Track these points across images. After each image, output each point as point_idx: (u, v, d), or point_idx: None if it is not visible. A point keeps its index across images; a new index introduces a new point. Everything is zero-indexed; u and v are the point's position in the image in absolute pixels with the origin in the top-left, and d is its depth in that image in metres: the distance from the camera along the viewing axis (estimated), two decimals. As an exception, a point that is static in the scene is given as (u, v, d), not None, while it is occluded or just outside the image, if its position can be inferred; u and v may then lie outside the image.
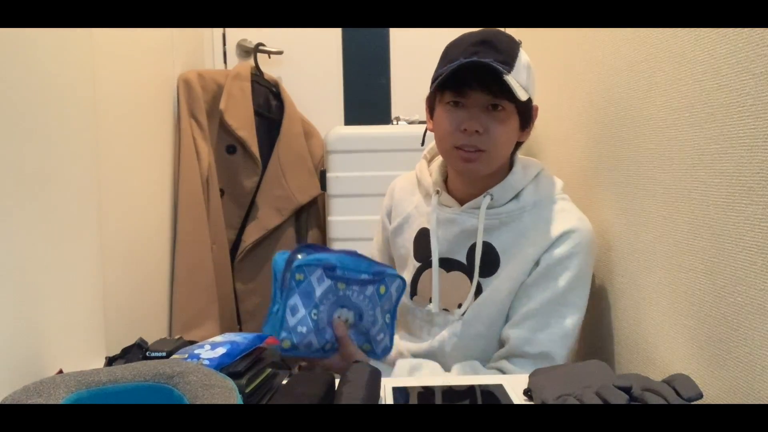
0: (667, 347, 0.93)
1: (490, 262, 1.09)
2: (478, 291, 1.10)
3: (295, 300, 0.98)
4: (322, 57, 1.93)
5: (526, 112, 1.08)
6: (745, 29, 0.73)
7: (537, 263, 1.06)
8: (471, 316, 1.09)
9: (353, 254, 1.05)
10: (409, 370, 1.05)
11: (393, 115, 1.89)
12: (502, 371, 1.04)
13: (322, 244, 1.06)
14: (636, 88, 1.01)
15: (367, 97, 1.95)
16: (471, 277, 1.10)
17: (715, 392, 0.80)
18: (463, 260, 1.12)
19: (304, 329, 0.99)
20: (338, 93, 1.94)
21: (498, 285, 1.08)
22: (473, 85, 1.02)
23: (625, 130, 1.06)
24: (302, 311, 0.98)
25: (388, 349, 1.10)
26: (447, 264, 1.14)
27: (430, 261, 1.13)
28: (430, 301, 1.13)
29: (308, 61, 1.92)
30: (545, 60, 1.49)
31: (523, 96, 1.01)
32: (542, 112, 1.51)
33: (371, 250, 1.31)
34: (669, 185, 0.91)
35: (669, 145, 0.91)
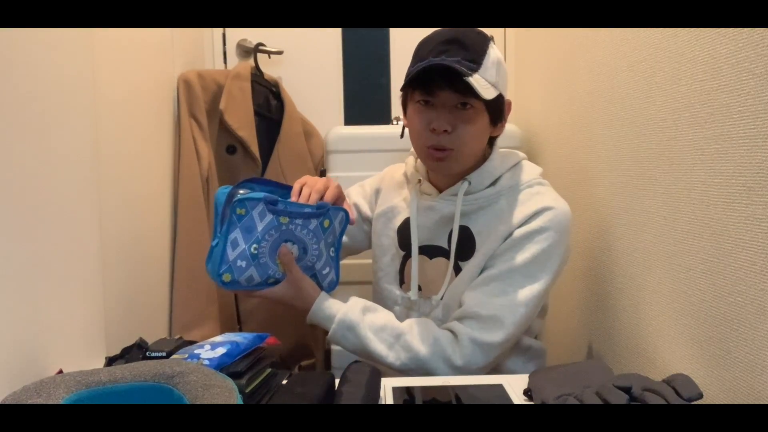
0: (667, 347, 0.93)
1: (467, 244, 1.11)
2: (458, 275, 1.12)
3: (236, 234, 0.99)
4: (322, 57, 1.92)
5: (496, 109, 1.08)
6: (745, 29, 0.73)
7: (508, 237, 1.08)
8: (448, 298, 1.11)
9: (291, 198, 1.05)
10: (362, 309, 1.07)
11: (393, 115, 1.89)
12: (451, 330, 1.06)
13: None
14: (636, 88, 1.01)
15: (367, 97, 1.95)
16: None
17: (715, 392, 0.80)
18: (445, 245, 1.13)
19: (243, 263, 1.00)
20: (338, 93, 1.94)
21: (472, 264, 1.09)
22: (441, 85, 1.03)
23: (625, 130, 1.06)
24: (242, 245, 0.99)
25: (334, 283, 1.12)
26: (429, 251, 1.15)
27: None
28: (419, 288, 1.15)
29: (308, 61, 1.92)
30: (545, 60, 1.49)
31: (488, 95, 1.02)
32: (542, 112, 1.51)
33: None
34: (669, 185, 0.91)
35: (669, 145, 0.91)
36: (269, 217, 1.00)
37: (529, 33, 1.64)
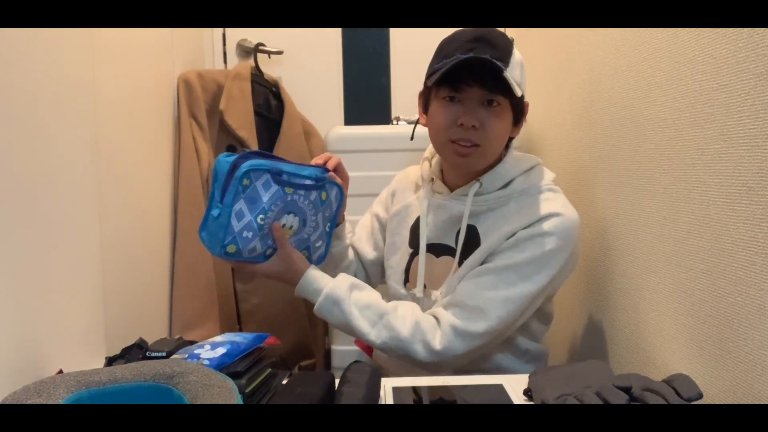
0: (667, 347, 0.93)
1: (473, 243, 1.11)
2: None
3: (241, 205, 0.98)
4: (322, 57, 1.92)
5: (519, 108, 1.10)
6: (745, 29, 0.73)
7: (511, 236, 1.08)
8: (446, 291, 1.12)
9: (293, 162, 1.05)
10: (350, 286, 1.07)
11: (393, 115, 1.89)
12: (435, 316, 1.07)
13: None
14: (636, 88, 1.01)
15: (367, 97, 1.95)
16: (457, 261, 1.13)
17: (715, 392, 0.80)
18: (452, 244, 1.14)
19: (249, 234, 1.00)
20: (338, 93, 1.94)
21: (472, 260, 1.10)
22: (470, 81, 1.04)
23: (625, 130, 1.06)
24: (248, 216, 0.99)
25: (323, 257, 1.14)
26: (436, 249, 1.16)
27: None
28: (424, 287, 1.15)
29: (308, 61, 1.92)
30: (545, 60, 1.49)
31: (518, 92, 1.04)
32: (542, 112, 1.51)
33: (358, 227, 1.33)
34: (669, 185, 0.91)
35: (669, 145, 0.91)
36: (275, 187, 1.00)
37: (529, 33, 1.64)
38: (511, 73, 1.03)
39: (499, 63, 1.02)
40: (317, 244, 1.11)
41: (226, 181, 0.98)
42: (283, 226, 1.04)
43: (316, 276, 1.07)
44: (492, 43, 1.04)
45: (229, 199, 0.97)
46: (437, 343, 1.04)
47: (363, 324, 1.05)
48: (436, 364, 1.06)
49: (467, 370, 1.10)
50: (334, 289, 1.06)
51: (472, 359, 1.09)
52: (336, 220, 1.14)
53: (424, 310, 1.15)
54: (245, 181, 0.97)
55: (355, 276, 1.20)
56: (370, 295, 1.09)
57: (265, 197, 1.00)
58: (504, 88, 1.02)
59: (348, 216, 1.22)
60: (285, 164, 1.03)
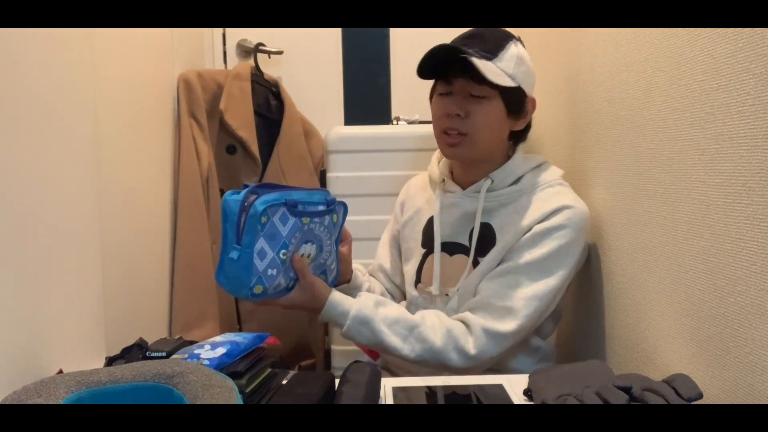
0: (667, 347, 0.93)
1: (487, 241, 1.12)
2: None
3: (261, 244, 0.94)
4: (322, 57, 1.92)
5: (513, 99, 1.11)
6: (745, 29, 0.73)
7: (527, 232, 1.09)
8: (464, 289, 1.12)
9: (300, 188, 1.04)
10: (375, 304, 1.07)
11: (393, 115, 1.89)
12: (464, 321, 1.07)
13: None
14: (636, 88, 1.01)
15: (367, 97, 1.95)
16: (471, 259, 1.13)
17: (715, 392, 0.80)
18: (466, 243, 1.15)
19: (274, 271, 0.97)
20: (338, 93, 1.94)
21: (490, 257, 1.11)
22: (456, 73, 1.07)
23: (624, 130, 1.06)
24: (270, 253, 0.96)
25: (336, 277, 1.14)
26: (450, 248, 1.17)
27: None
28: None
29: (308, 61, 1.92)
30: (545, 59, 1.49)
31: (499, 80, 1.05)
32: (542, 112, 1.51)
33: (379, 248, 1.35)
34: (669, 185, 0.91)
35: (669, 145, 0.91)
36: (292, 220, 0.98)
37: (529, 33, 1.64)
38: (499, 64, 1.06)
39: (484, 55, 1.05)
40: (332, 267, 1.11)
41: (239, 220, 0.93)
42: (302, 255, 1.02)
43: (339, 299, 1.07)
44: (484, 38, 1.08)
45: (248, 240, 0.93)
46: (471, 348, 1.04)
47: (394, 340, 1.05)
48: (471, 369, 1.06)
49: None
50: (361, 309, 1.05)
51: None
52: (339, 237, 1.13)
53: (439, 309, 1.15)
54: (263, 219, 0.93)
55: (393, 298, 1.23)
56: (395, 309, 1.09)
57: (285, 231, 0.97)
58: (483, 75, 1.04)
59: (349, 215, 1.21)
60: (295, 192, 1.01)
